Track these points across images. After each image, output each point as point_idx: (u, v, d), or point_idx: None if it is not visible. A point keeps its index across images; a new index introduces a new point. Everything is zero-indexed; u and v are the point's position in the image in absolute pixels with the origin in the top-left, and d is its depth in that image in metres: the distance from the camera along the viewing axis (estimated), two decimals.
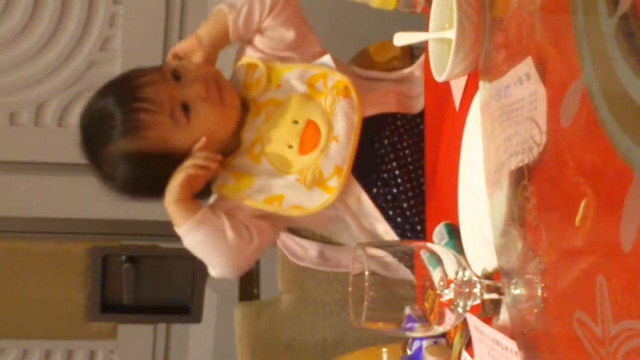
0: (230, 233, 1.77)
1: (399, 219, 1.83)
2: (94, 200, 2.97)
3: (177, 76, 1.78)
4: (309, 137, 1.80)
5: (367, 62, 2.12)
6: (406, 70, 1.92)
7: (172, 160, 1.77)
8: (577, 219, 0.94)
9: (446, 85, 1.60)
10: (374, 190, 1.83)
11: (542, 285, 1.06)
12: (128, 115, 1.75)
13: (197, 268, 3.17)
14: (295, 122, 1.80)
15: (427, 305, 1.23)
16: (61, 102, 3.00)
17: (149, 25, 2.94)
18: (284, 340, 2.48)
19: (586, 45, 0.93)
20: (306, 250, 1.97)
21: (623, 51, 0.86)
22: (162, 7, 2.94)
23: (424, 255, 1.24)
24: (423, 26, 1.62)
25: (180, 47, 1.88)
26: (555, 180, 1.02)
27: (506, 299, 1.16)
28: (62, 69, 2.98)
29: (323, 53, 1.87)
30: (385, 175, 1.82)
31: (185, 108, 1.76)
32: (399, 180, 1.82)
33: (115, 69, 2.99)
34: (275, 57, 1.86)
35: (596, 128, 0.90)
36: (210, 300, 3.27)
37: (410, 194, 1.82)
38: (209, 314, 3.29)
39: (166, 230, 2.94)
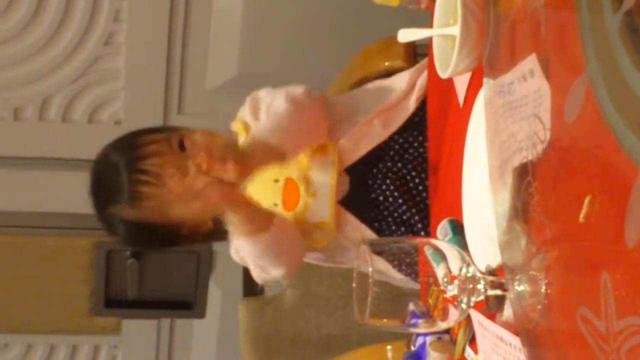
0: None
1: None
2: None
3: (183, 146, 1.79)
4: (290, 195, 1.84)
5: (370, 61, 2.12)
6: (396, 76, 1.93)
7: (167, 227, 1.82)
8: (581, 215, 0.94)
9: (450, 81, 1.60)
10: (376, 224, 1.86)
11: (546, 281, 1.06)
12: (130, 184, 1.78)
13: (201, 263, 3.17)
14: (276, 180, 1.85)
15: (430, 301, 1.23)
16: (66, 97, 3.01)
17: (153, 20, 2.95)
18: (287, 336, 2.48)
19: (590, 41, 0.93)
20: None
21: (627, 47, 0.86)
22: (167, 1, 2.94)
23: (427, 251, 1.24)
24: (427, 22, 1.62)
25: None
26: (560, 176, 1.02)
27: (510, 295, 1.16)
28: (66, 64, 2.98)
29: None
30: (387, 206, 1.84)
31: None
32: (404, 207, 1.83)
33: (119, 63, 2.99)
34: None
35: (600, 124, 0.90)
36: (214, 296, 3.27)
37: (415, 210, 1.83)
38: (213, 309, 3.29)
39: None
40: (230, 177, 1.75)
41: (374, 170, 1.84)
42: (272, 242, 1.78)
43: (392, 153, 1.84)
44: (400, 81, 1.88)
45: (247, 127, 1.87)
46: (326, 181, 1.82)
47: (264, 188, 1.84)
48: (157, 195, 1.77)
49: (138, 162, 1.77)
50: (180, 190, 1.77)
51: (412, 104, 1.85)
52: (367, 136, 1.85)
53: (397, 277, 1.42)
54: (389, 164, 1.84)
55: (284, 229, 1.80)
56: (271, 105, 1.85)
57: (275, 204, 1.84)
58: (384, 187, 1.84)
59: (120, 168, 1.79)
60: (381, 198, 1.84)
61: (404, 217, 1.84)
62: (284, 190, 1.84)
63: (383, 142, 1.85)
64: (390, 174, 1.84)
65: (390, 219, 1.85)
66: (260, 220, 1.78)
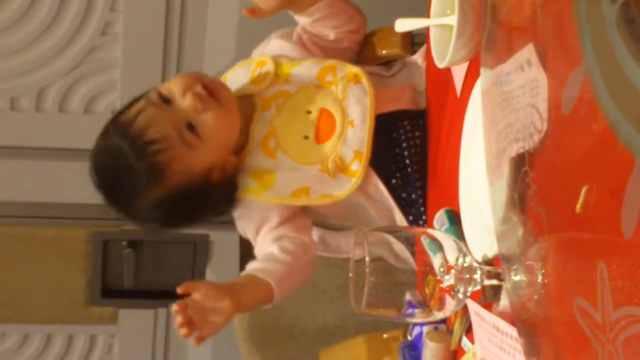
0: (295, 264, 1.78)
1: (413, 211, 1.81)
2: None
3: (166, 99, 1.75)
4: (324, 126, 1.78)
5: (367, 51, 2.12)
6: (411, 58, 1.91)
7: (201, 183, 1.76)
8: (578, 205, 0.94)
9: (447, 71, 1.60)
10: (393, 181, 1.80)
11: (543, 271, 1.06)
12: (144, 163, 1.71)
13: (197, 253, 3.17)
14: (309, 112, 1.79)
15: (427, 291, 1.23)
16: (62, 87, 3.00)
17: (150, 9, 2.94)
18: (284, 326, 2.48)
19: (588, 32, 0.93)
20: None
21: (624, 38, 0.86)
22: None
23: (424, 241, 1.24)
24: (424, 12, 1.62)
25: None
26: (556, 166, 1.02)
27: (506, 285, 1.17)
28: (63, 54, 2.98)
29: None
30: (406, 164, 1.80)
31: (191, 127, 1.73)
32: (416, 176, 1.80)
33: (116, 53, 2.98)
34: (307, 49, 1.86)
35: (597, 115, 0.90)
36: None
37: (422, 189, 1.80)
38: None
39: None
40: (224, 99, 1.74)
41: (398, 124, 1.81)
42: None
43: (420, 121, 1.80)
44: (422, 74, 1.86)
45: (267, 57, 1.85)
46: (363, 109, 1.76)
47: (294, 119, 1.79)
48: (175, 156, 1.72)
49: (139, 138, 1.71)
50: (191, 138, 1.73)
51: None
52: (399, 99, 1.82)
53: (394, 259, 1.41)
54: (418, 123, 1.80)
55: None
56: None
57: (306, 137, 1.78)
58: (405, 151, 1.80)
59: (125, 153, 1.72)
60: (400, 157, 1.80)
61: (419, 184, 1.80)
62: (318, 120, 1.78)
63: (412, 109, 1.82)
64: (417, 132, 1.80)
65: (405, 179, 1.80)
66: None
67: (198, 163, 1.75)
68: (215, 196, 1.80)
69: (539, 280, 1.07)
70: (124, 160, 1.72)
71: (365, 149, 1.76)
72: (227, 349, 3.14)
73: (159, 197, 1.75)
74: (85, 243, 3.15)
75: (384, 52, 2.07)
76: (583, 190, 0.93)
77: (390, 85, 1.84)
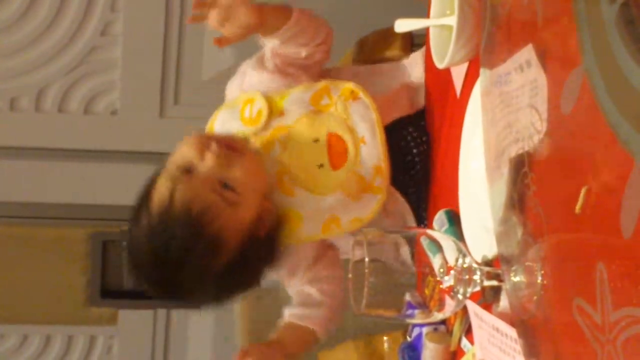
0: (334, 303, 1.81)
1: (417, 212, 1.80)
2: (94, 185, 2.98)
3: (188, 170, 1.66)
4: (336, 150, 1.73)
5: (367, 52, 2.12)
6: (409, 58, 1.90)
7: (250, 240, 1.69)
8: (577, 206, 0.94)
9: (447, 71, 1.60)
10: (409, 189, 1.77)
11: (542, 272, 1.06)
12: (202, 238, 1.63)
13: None
14: (316, 140, 1.73)
15: (427, 292, 1.23)
16: (62, 87, 3.00)
17: (150, 10, 2.94)
18: None
19: (587, 32, 0.93)
20: None
21: (624, 39, 0.86)
22: None
23: (424, 242, 1.24)
24: (424, 13, 1.62)
25: None
26: (556, 167, 1.02)
27: (506, 286, 1.17)
28: (62, 54, 2.98)
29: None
30: (413, 172, 1.78)
31: (225, 186, 1.66)
32: (423, 180, 1.77)
33: (116, 54, 2.98)
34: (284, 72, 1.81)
35: (596, 115, 0.90)
36: None
37: (426, 192, 1.78)
38: None
39: None
40: (240, 148, 1.69)
41: (404, 132, 1.77)
42: None
43: (422, 122, 1.78)
44: (416, 66, 1.84)
45: (257, 93, 1.78)
46: (370, 124, 1.72)
47: (303, 151, 1.73)
48: (225, 220, 1.65)
49: (187, 214, 1.63)
50: (230, 195, 1.66)
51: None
52: (397, 104, 1.79)
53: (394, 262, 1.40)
54: (420, 126, 1.77)
55: None
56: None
57: (321, 165, 1.73)
58: (415, 150, 1.77)
59: (176, 234, 1.63)
60: (417, 159, 1.77)
61: (423, 187, 1.77)
62: (329, 146, 1.73)
63: (411, 114, 1.79)
64: (424, 137, 1.77)
65: (417, 186, 1.77)
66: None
67: (245, 218, 1.68)
68: (264, 251, 1.74)
69: (539, 281, 1.07)
70: (178, 242, 1.64)
71: (384, 163, 1.72)
72: (228, 350, 3.14)
73: (219, 269, 1.68)
74: (85, 243, 3.16)
75: (384, 53, 2.07)
76: (582, 191, 0.93)
77: (383, 90, 1.81)
